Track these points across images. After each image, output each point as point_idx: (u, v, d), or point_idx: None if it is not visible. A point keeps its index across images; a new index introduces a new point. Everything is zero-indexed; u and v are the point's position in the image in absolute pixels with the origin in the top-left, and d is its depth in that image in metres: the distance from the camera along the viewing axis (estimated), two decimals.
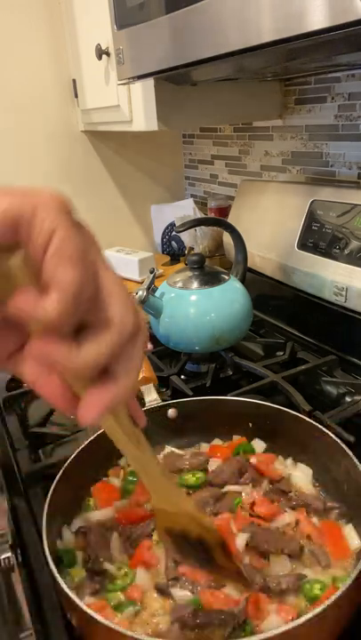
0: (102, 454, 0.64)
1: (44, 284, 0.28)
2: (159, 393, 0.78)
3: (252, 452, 0.69)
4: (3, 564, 0.58)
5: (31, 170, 1.54)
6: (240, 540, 0.54)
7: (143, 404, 0.74)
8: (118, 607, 0.49)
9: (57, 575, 0.46)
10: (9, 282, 0.28)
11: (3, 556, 0.58)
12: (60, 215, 0.29)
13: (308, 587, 0.50)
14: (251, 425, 0.72)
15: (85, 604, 0.43)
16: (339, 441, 0.60)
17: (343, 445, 0.59)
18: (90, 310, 0.30)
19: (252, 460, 0.67)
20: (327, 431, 0.62)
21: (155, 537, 0.56)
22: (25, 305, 0.28)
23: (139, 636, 0.41)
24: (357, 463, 0.56)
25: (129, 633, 0.41)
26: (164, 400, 0.77)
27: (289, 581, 0.49)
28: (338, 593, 0.43)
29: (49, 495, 0.55)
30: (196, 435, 0.74)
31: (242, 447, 0.69)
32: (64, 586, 0.45)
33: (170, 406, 0.73)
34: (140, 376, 0.75)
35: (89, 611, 0.42)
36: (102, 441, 0.60)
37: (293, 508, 0.59)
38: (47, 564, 0.48)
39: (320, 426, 0.64)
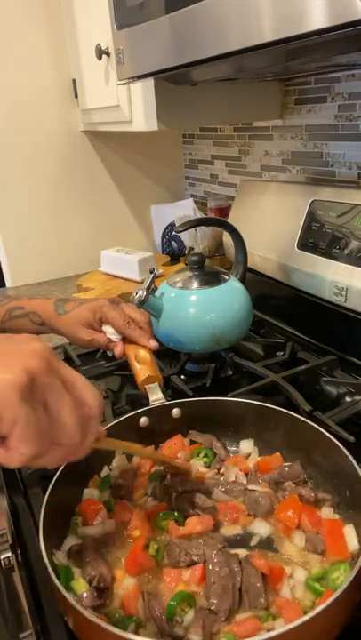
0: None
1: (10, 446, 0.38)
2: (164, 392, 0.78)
3: None
4: (3, 564, 0.58)
5: (31, 170, 1.54)
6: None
7: (148, 404, 0.74)
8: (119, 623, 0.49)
9: (58, 584, 0.46)
10: None
11: (3, 556, 0.58)
12: (21, 402, 0.37)
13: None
14: (251, 428, 0.72)
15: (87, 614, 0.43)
16: (337, 442, 0.60)
17: (342, 446, 0.59)
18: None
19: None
20: (326, 432, 0.62)
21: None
22: None
23: (138, 637, 0.41)
24: (355, 464, 0.56)
25: (131, 636, 0.41)
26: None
27: None
28: (336, 594, 0.43)
29: (46, 497, 0.55)
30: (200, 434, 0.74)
31: None
32: (66, 593, 0.45)
33: (175, 406, 0.73)
34: (146, 375, 0.75)
35: (92, 617, 0.43)
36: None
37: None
38: (46, 568, 0.48)
39: (319, 427, 0.64)
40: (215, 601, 0.49)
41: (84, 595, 0.50)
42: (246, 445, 0.72)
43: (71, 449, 0.42)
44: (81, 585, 0.52)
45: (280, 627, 0.42)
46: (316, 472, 0.65)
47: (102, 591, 0.52)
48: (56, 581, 0.46)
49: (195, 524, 0.58)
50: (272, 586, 0.51)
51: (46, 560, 0.48)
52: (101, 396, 0.47)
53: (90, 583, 0.52)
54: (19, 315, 0.86)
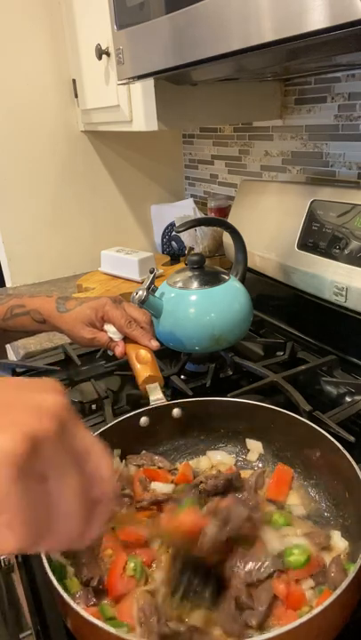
0: None
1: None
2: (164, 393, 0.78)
3: None
4: (3, 564, 0.58)
5: (31, 170, 1.54)
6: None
7: (148, 403, 0.74)
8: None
9: (56, 583, 0.46)
10: None
11: (3, 556, 0.58)
12: (15, 481, 0.28)
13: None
14: (251, 428, 0.72)
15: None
16: (337, 442, 0.60)
17: (341, 446, 0.59)
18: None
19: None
20: (325, 432, 0.62)
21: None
22: None
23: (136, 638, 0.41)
24: (355, 464, 0.56)
25: (129, 636, 0.41)
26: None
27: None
28: (336, 594, 0.43)
29: None
30: (200, 434, 0.74)
31: None
32: (63, 593, 0.45)
33: (175, 406, 0.73)
34: (147, 375, 0.75)
35: (89, 617, 0.42)
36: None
37: None
38: (45, 569, 0.48)
39: (319, 427, 0.64)
40: None
41: (78, 594, 0.50)
42: (252, 446, 0.73)
43: (66, 540, 0.33)
44: (74, 584, 0.52)
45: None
46: (315, 472, 0.65)
47: (98, 591, 0.52)
48: (55, 582, 0.46)
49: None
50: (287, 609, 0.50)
51: (45, 561, 0.48)
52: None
53: (87, 584, 0.52)
54: (20, 313, 0.86)
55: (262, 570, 0.51)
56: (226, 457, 0.72)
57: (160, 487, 0.65)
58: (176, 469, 0.70)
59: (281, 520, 0.59)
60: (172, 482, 0.66)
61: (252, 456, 0.72)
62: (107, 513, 0.35)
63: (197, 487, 0.63)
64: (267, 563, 0.52)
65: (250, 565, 0.52)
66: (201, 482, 0.64)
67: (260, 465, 0.71)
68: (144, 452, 0.71)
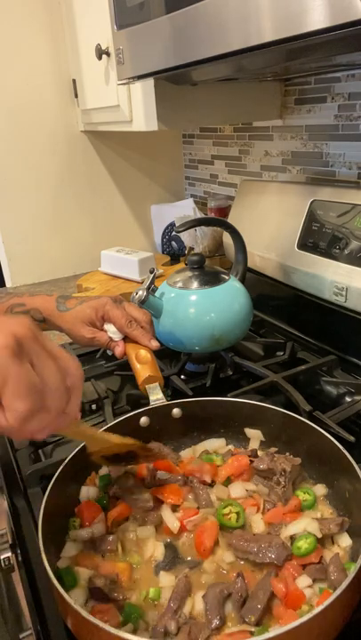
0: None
1: (4, 405, 0.40)
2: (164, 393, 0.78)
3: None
4: (3, 564, 0.58)
5: (31, 170, 1.54)
6: None
7: (148, 404, 0.74)
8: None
9: (56, 583, 0.46)
10: None
11: (3, 556, 0.58)
12: (11, 360, 0.39)
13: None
14: (251, 428, 0.73)
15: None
16: (337, 442, 0.60)
17: (341, 446, 0.59)
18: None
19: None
20: (325, 432, 0.62)
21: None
22: None
23: (136, 637, 0.41)
24: (355, 464, 0.56)
25: (129, 636, 0.41)
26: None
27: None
28: (336, 594, 0.43)
29: (45, 498, 0.55)
30: (200, 434, 0.74)
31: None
32: (63, 593, 0.45)
33: (175, 406, 0.73)
34: (147, 375, 0.75)
35: (90, 617, 0.43)
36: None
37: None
38: (46, 569, 0.48)
39: (319, 427, 0.64)
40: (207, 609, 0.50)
41: (82, 596, 0.51)
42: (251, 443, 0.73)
43: (56, 415, 0.43)
44: (82, 586, 0.52)
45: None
46: (315, 472, 0.65)
47: (106, 592, 0.52)
48: (55, 582, 0.46)
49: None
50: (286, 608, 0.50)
51: (45, 561, 0.48)
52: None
53: (94, 585, 0.52)
54: (20, 311, 0.86)
55: (263, 553, 0.53)
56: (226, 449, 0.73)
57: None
58: (180, 460, 0.70)
59: (310, 499, 0.61)
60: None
61: (254, 444, 0.72)
62: (79, 396, 0.47)
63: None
64: (271, 553, 0.53)
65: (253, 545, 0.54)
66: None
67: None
68: (153, 441, 0.71)
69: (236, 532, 0.58)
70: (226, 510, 0.60)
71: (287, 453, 0.68)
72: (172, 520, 0.60)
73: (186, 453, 0.72)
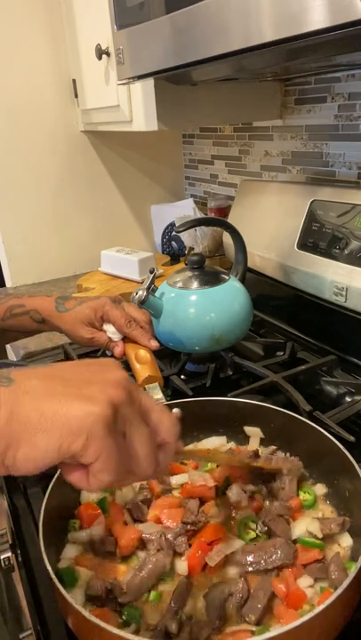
0: None
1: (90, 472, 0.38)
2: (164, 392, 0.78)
3: None
4: (3, 564, 0.58)
5: (31, 170, 1.54)
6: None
7: None
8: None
9: (57, 582, 0.46)
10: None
11: (3, 556, 0.58)
12: (105, 432, 0.37)
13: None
14: (251, 428, 0.72)
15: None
16: (337, 442, 0.60)
17: (342, 446, 0.59)
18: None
19: None
20: (326, 432, 0.62)
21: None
22: (76, 480, 0.40)
23: (137, 637, 0.41)
24: (355, 464, 0.56)
25: (130, 636, 0.41)
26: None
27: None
28: (336, 594, 0.43)
29: (45, 499, 0.55)
30: (199, 434, 0.74)
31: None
32: (64, 592, 0.45)
33: (175, 406, 0.73)
34: (146, 375, 0.75)
35: (90, 617, 0.42)
36: None
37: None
38: (46, 568, 0.48)
39: (319, 427, 0.64)
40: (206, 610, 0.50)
41: (82, 596, 0.51)
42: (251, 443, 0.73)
43: (142, 478, 0.43)
44: (82, 587, 0.52)
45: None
46: (315, 472, 0.65)
47: (107, 592, 0.52)
48: (56, 582, 0.46)
49: None
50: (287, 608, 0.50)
51: (46, 560, 0.48)
52: (177, 419, 0.47)
53: (94, 587, 0.52)
54: (19, 312, 0.86)
55: (272, 559, 0.53)
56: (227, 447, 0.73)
57: (176, 479, 0.66)
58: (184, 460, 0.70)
59: (310, 498, 0.61)
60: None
61: (253, 442, 0.72)
62: (171, 453, 0.45)
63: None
64: (278, 554, 0.53)
65: (259, 555, 0.53)
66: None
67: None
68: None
69: (238, 547, 0.56)
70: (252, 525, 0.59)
71: (287, 453, 0.68)
72: (182, 568, 0.56)
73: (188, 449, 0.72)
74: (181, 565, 0.55)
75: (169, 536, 0.57)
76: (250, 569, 0.53)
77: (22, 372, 0.39)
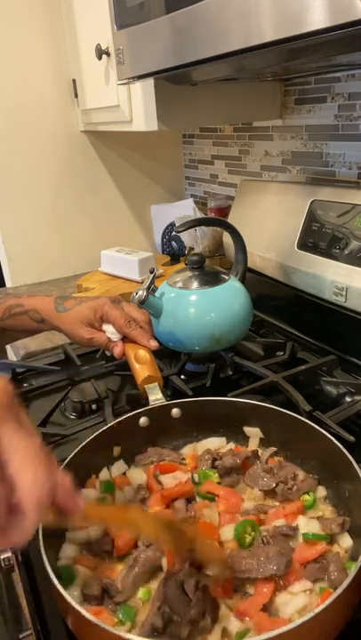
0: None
1: None
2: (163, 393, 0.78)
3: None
4: (3, 564, 0.57)
5: (31, 170, 1.54)
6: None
7: (148, 403, 0.74)
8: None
9: (56, 582, 0.46)
10: None
11: (3, 556, 0.58)
12: None
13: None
14: (251, 428, 0.72)
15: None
16: (337, 442, 0.60)
17: (342, 446, 0.59)
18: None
19: None
20: (326, 432, 0.62)
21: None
22: None
23: (137, 637, 0.41)
24: (355, 464, 0.56)
25: (130, 636, 0.41)
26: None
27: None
28: (336, 594, 0.43)
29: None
30: (199, 434, 0.74)
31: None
32: (64, 592, 0.45)
33: (174, 406, 0.73)
34: (146, 375, 0.75)
35: (90, 617, 0.42)
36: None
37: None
38: (46, 568, 0.48)
39: (319, 427, 0.64)
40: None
41: (80, 594, 0.51)
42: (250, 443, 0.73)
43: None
44: (80, 585, 0.52)
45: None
46: (315, 472, 0.65)
47: (103, 591, 0.52)
48: (55, 581, 0.46)
49: None
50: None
51: (46, 560, 0.48)
52: (52, 477, 0.34)
53: (91, 586, 0.52)
54: (18, 312, 0.86)
55: (264, 567, 0.52)
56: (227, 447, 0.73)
57: (174, 478, 0.66)
58: (184, 459, 0.70)
59: (310, 498, 0.61)
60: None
61: (253, 442, 0.72)
62: (26, 527, 0.32)
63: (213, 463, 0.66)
64: (271, 564, 0.52)
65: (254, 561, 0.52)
66: (215, 459, 0.66)
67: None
68: (150, 448, 0.71)
69: (229, 550, 0.55)
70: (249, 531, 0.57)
71: (288, 453, 0.68)
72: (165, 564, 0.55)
73: (187, 450, 0.73)
74: (164, 561, 0.55)
75: None
76: (241, 575, 0.52)
77: None
